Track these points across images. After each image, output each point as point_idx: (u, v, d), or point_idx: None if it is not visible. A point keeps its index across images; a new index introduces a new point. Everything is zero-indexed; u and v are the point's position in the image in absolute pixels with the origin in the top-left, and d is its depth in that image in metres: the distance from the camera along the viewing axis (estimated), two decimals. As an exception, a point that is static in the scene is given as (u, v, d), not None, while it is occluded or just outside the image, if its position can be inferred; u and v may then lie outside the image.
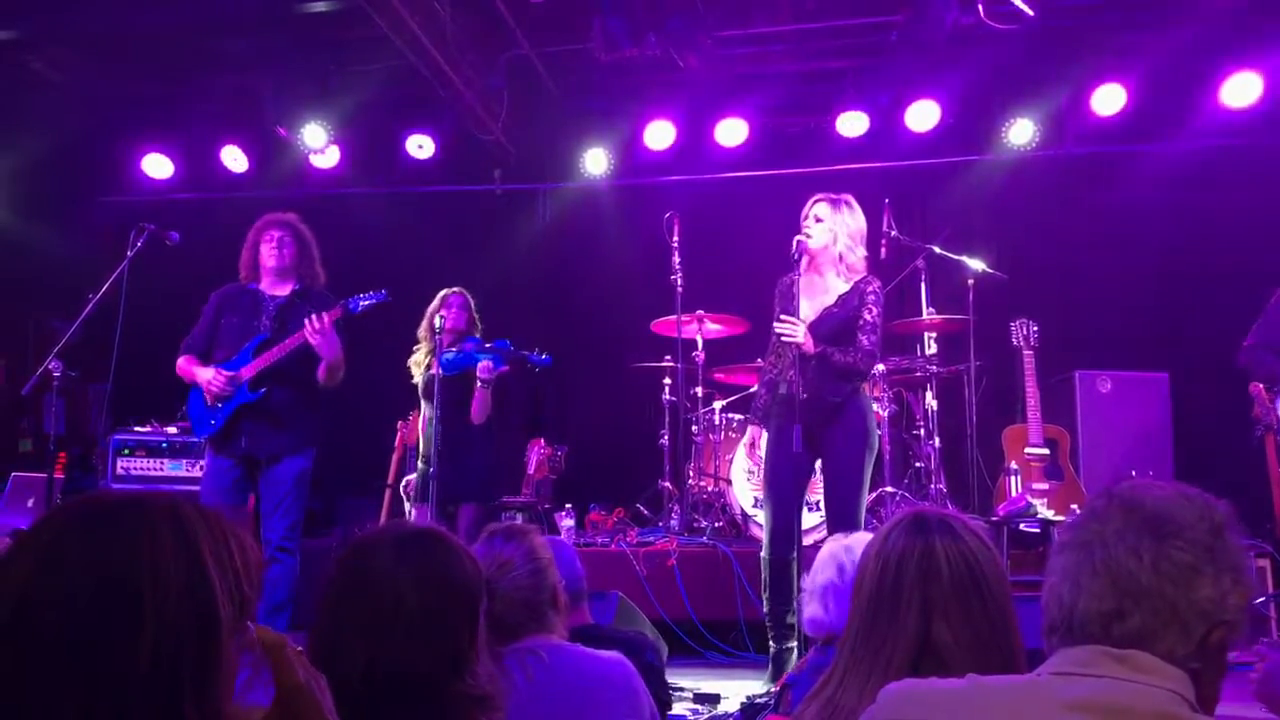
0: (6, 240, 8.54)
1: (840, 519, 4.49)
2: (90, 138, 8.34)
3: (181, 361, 5.15)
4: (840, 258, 4.70)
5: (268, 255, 5.16)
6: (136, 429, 6.86)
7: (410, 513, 5.74)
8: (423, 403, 5.69)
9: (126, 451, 6.75)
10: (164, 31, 7.20)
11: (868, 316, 4.62)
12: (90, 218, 8.56)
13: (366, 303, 5.11)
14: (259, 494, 5.08)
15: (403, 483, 6.15)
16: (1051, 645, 1.36)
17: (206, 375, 5.00)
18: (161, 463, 6.71)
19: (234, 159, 8.21)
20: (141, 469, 6.75)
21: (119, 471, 6.75)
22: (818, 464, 4.82)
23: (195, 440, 6.22)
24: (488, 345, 5.45)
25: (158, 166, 8.35)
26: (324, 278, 5.33)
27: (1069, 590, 1.33)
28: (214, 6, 6.75)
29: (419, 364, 5.75)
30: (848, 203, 4.75)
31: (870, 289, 4.66)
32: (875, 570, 1.72)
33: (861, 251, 4.78)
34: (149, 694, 1.06)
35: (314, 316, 4.96)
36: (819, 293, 4.70)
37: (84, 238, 8.23)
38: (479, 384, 5.41)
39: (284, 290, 5.21)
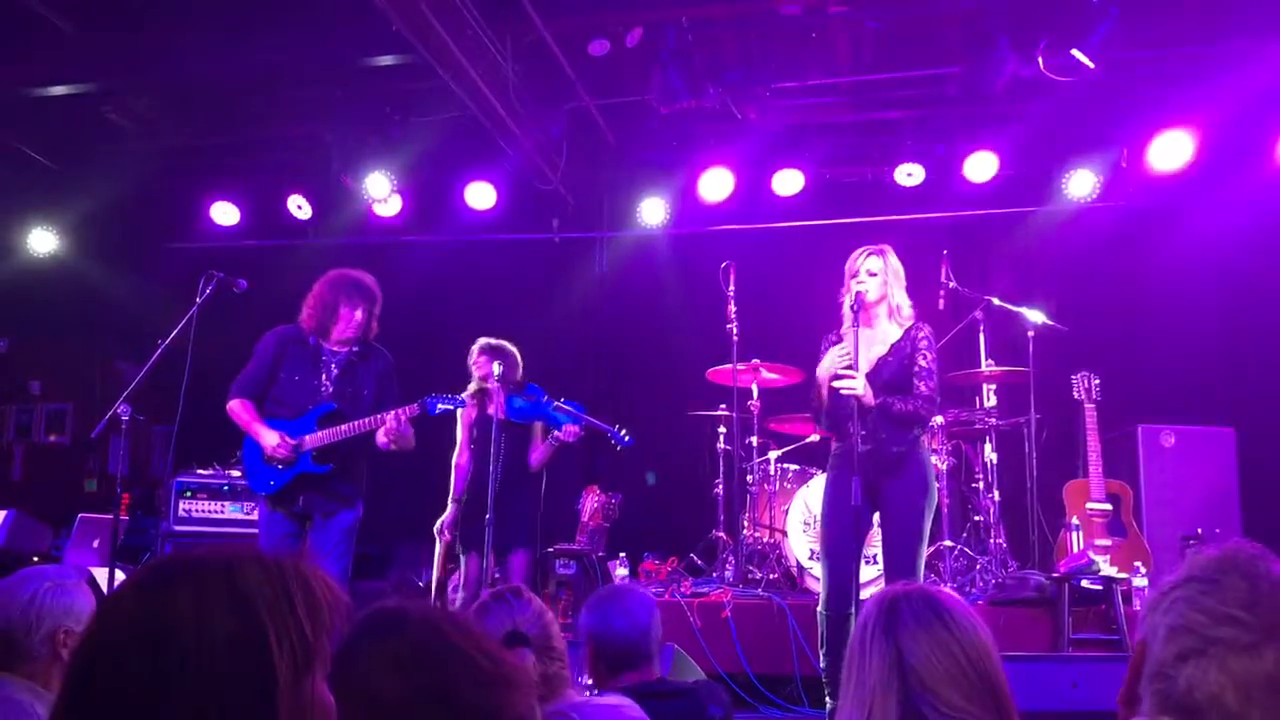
0: (78, 285, 8.78)
1: (898, 573, 4.42)
2: (160, 185, 8.58)
3: (235, 405, 5.10)
4: (896, 307, 4.69)
5: (346, 326, 5.09)
6: (199, 472, 6.97)
7: (460, 559, 5.75)
8: (470, 442, 5.73)
9: (189, 494, 6.86)
10: (233, 83, 7.41)
11: (923, 362, 4.58)
12: (158, 264, 8.77)
13: (444, 406, 5.08)
14: (310, 542, 5.10)
15: (437, 524, 6.14)
16: (1142, 712, 1.30)
17: (271, 441, 4.93)
18: (222, 505, 6.81)
19: (299, 207, 8.38)
20: (203, 511, 6.85)
21: (181, 513, 6.85)
22: (875, 517, 4.77)
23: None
24: (560, 402, 5.46)
25: (225, 214, 8.54)
26: (377, 330, 5.30)
27: (1237, 699, 1.22)
28: (281, 59, 6.92)
29: (473, 398, 5.76)
30: (889, 251, 4.75)
31: (922, 334, 4.64)
32: (854, 634, 1.88)
33: (908, 298, 4.77)
34: None
35: (390, 415, 4.93)
36: (872, 343, 4.67)
37: (152, 283, 8.43)
38: (552, 441, 5.43)
39: (344, 349, 5.17)
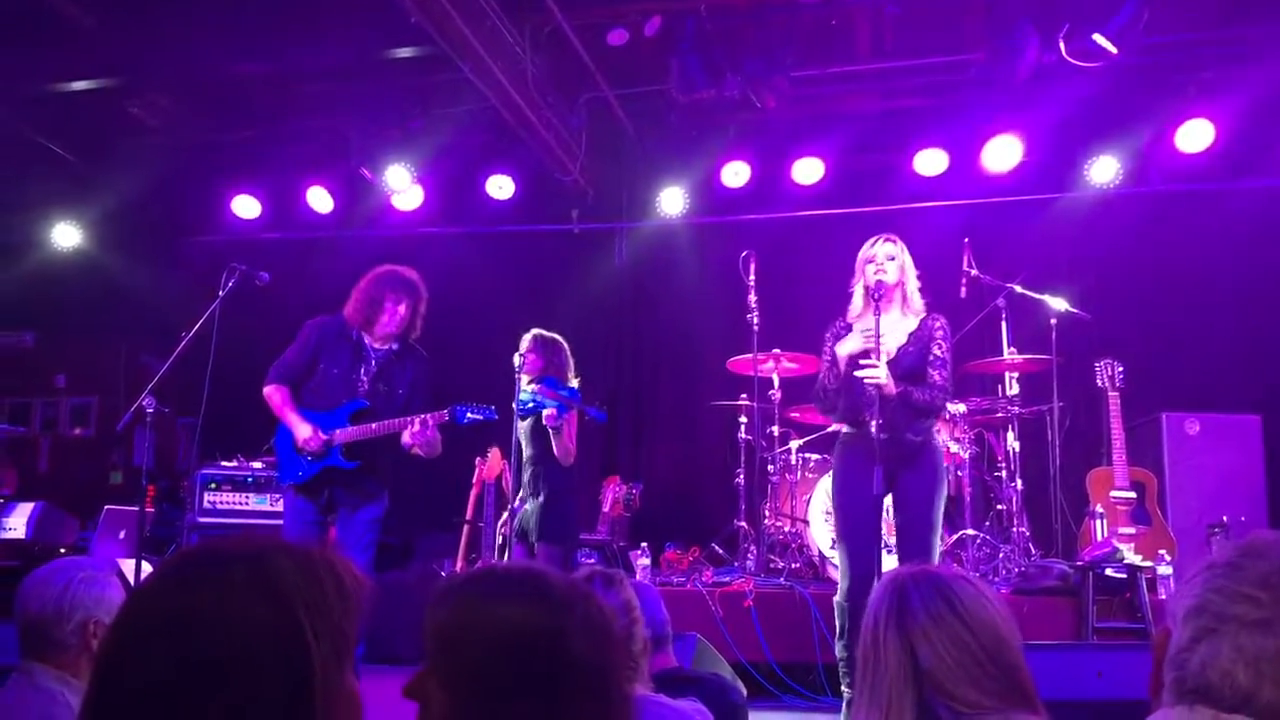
0: (102, 279, 8.85)
1: (918, 560, 4.43)
2: (182, 179, 8.63)
3: (271, 390, 5.09)
4: (910, 296, 4.70)
5: (388, 322, 5.09)
6: (223, 464, 7.02)
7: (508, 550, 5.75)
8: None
9: (213, 486, 6.91)
10: (254, 77, 7.45)
11: (938, 352, 4.61)
12: (181, 257, 8.83)
13: (474, 416, 5.03)
14: (336, 533, 5.12)
15: (501, 520, 6.10)
16: (1163, 702, 1.30)
17: (304, 433, 4.94)
18: (246, 497, 6.86)
19: (320, 200, 8.41)
20: (228, 503, 6.90)
21: (205, 505, 6.90)
22: (887, 503, 4.78)
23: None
24: (561, 391, 5.45)
25: (246, 207, 8.58)
26: (421, 328, 5.27)
27: (1248, 675, 1.22)
28: (302, 53, 6.95)
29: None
30: (900, 240, 4.75)
31: (939, 324, 4.66)
32: (865, 624, 1.82)
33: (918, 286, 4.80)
34: None
35: (419, 419, 4.92)
36: (891, 331, 4.67)
37: (175, 276, 8.49)
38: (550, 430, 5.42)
39: (385, 346, 5.16)
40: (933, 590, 1.74)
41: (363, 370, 5.12)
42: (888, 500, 4.71)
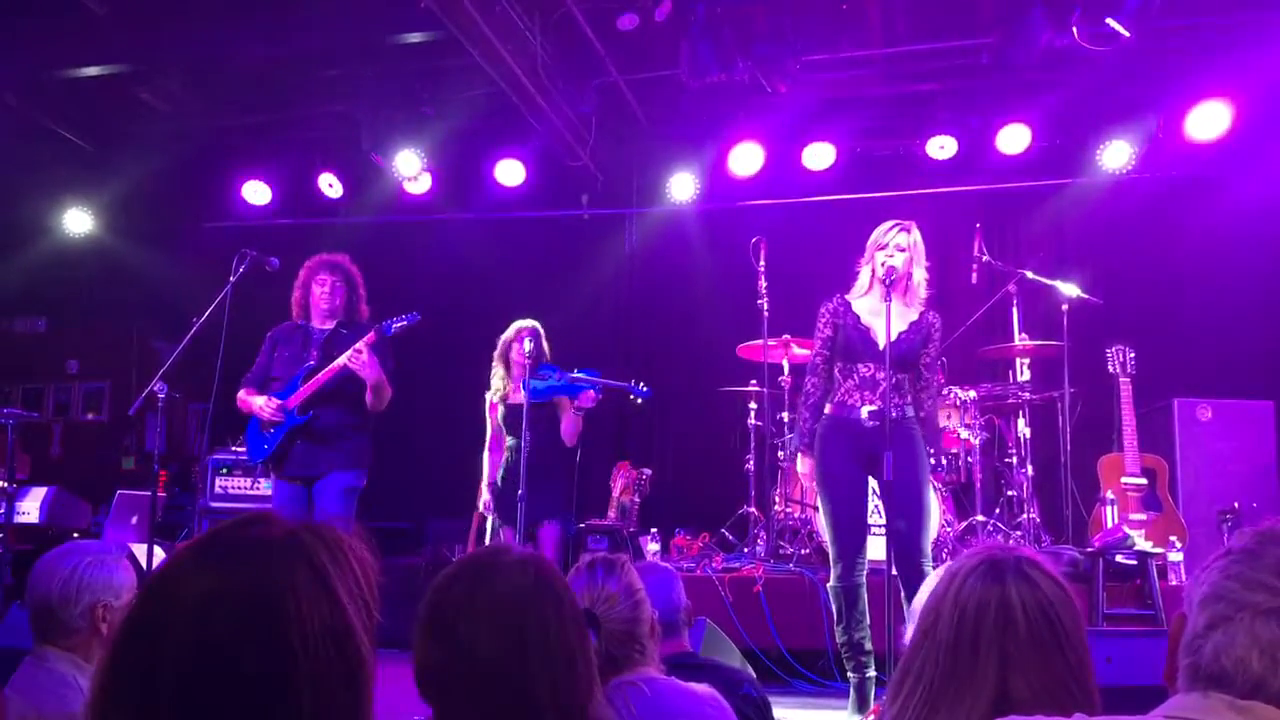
0: (113, 264, 8.87)
1: (911, 543, 4.48)
2: (194, 165, 8.63)
3: (241, 394, 5.37)
4: (916, 285, 4.73)
5: (319, 299, 5.37)
6: (234, 449, 7.05)
7: (499, 532, 5.78)
8: (503, 429, 5.76)
9: (225, 471, 6.95)
10: (264, 63, 7.43)
11: (934, 352, 4.77)
12: (192, 243, 8.83)
13: (399, 324, 5.25)
14: (312, 510, 5.20)
15: (482, 503, 6.12)
16: (1178, 688, 1.29)
17: (259, 402, 5.24)
18: (258, 482, 6.89)
19: (330, 185, 8.41)
20: (239, 488, 6.94)
21: (217, 490, 6.95)
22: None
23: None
24: (577, 372, 5.46)
25: (257, 193, 8.58)
26: (368, 312, 5.49)
27: (1262, 662, 1.21)
28: (312, 38, 6.94)
29: (499, 392, 5.79)
30: (915, 227, 4.80)
31: (937, 324, 4.78)
32: (952, 619, 1.64)
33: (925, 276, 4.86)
34: None
35: (354, 348, 5.14)
36: (894, 317, 4.68)
37: (186, 262, 8.49)
38: (574, 410, 5.44)
39: (330, 324, 5.41)
40: (1040, 614, 1.59)
41: (312, 349, 5.35)
42: (873, 482, 4.81)
